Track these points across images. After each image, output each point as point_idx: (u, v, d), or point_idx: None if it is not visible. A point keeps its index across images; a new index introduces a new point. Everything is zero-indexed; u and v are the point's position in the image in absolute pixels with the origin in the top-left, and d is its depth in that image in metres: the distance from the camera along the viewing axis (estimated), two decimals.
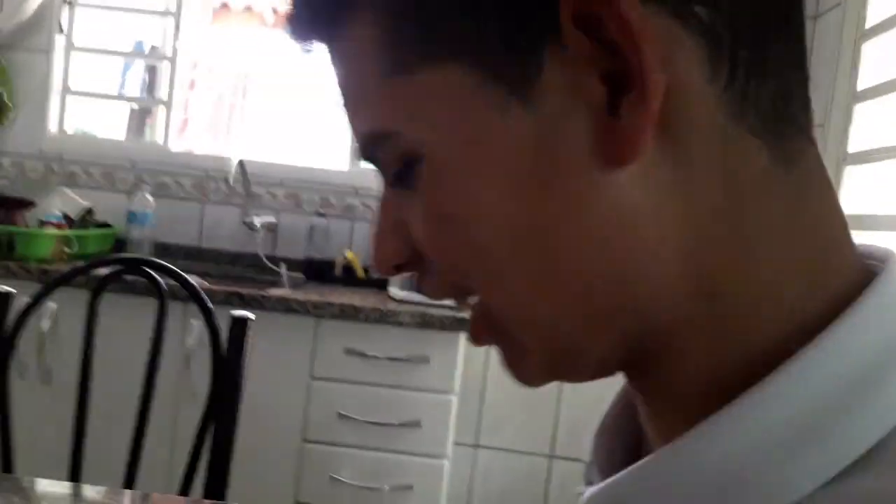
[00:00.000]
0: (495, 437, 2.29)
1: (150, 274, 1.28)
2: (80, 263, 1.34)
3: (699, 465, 0.29)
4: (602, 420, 0.41)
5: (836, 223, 0.31)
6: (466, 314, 1.84)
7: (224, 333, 1.25)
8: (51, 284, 1.27)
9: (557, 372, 0.34)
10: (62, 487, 0.96)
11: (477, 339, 0.36)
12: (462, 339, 1.92)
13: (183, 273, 1.30)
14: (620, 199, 0.29)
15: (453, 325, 1.88)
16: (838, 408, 0.28)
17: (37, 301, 1.25)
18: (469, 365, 2.28)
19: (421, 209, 0.33)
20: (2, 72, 2.33)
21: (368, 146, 0.35)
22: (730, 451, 0.28)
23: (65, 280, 1.28)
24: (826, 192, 0.31)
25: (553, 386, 2.22)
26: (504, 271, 0.32)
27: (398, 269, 0.37)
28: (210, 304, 1.27)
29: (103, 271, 1.31)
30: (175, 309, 1.58)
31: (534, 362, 0.34)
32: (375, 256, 0.37)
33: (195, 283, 1.30)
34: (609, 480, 0.32)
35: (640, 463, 0.31)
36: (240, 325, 1.23)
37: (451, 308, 1.93)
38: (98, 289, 1.28)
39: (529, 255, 0.31)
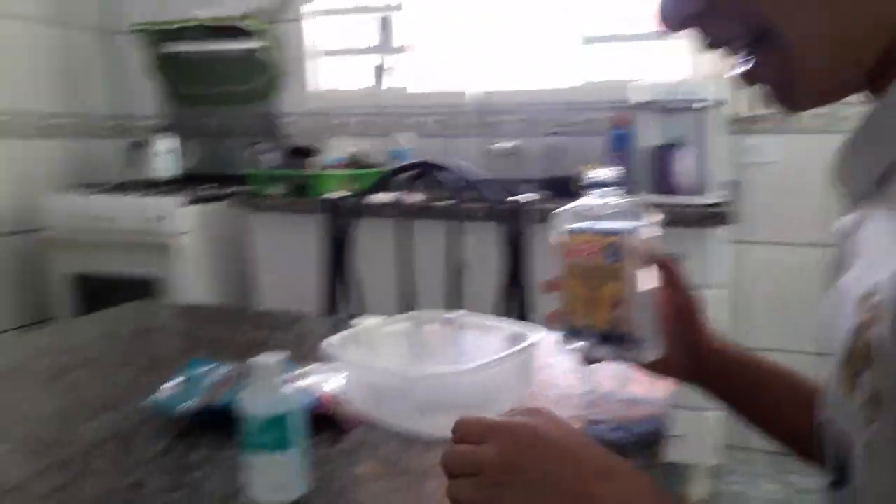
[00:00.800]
0: (760, 335, 2.33)
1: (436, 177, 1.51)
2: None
3: None
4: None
5: None
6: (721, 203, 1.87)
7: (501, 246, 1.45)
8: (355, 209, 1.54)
9: (825, 94, 0.46)
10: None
11: (751, 81, 0.46)
12: (715, 232, 1.98)
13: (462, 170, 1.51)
14: None
15: (703, 221, 1.94)
16: None
17: (347, 227, 1.52)
18: (727, 260, 2.33)
19: None
20: (276, 42, 2.72)
21: None
22: None
23: (377, 188, 1.55)
24: None
25: (812, 278, 2.18)
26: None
27: (683, 23, 0.46)
28: (492, 197, 1.47)
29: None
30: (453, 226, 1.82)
31: (806, 85, 0.45)
32: (664, 11, 0.46)
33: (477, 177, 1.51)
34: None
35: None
36: (520, 206, 1.46)
37: (699, 206, 1.99)
38: (401, 208, 1.53)
39: None
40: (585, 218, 0.68)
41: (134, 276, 2.43)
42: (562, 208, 0.70)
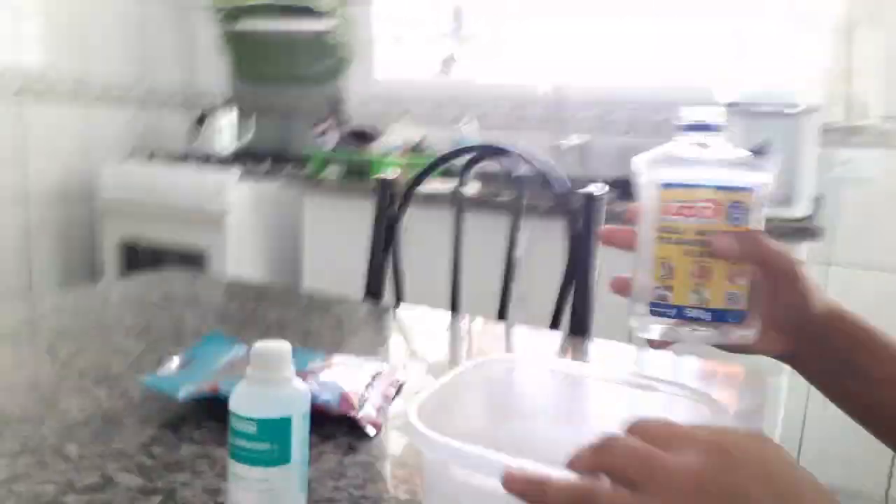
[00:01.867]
0: None
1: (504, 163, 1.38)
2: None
3: None
4: None
5: None
6: None
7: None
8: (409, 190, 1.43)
9: None
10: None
11: None
12: (801, 250, 1.80)
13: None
14: None
15: (789, 236, 1.76)
16: None
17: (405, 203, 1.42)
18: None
19: None
20: (346, 25, 2.64)
21: None
22: None
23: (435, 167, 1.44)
24: None
25: None
26: None
27: None
28: (558, 189, 1.33)
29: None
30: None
31: None
32: None
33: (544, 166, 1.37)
34: None
35: None
36: (590, 199, 1.29)
37: (785, 220, 1.81)
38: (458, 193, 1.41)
39: None
40: (682, 167, 0.53)
41: (183, 247, 2.41)
42: (647, 153, 0.54)
